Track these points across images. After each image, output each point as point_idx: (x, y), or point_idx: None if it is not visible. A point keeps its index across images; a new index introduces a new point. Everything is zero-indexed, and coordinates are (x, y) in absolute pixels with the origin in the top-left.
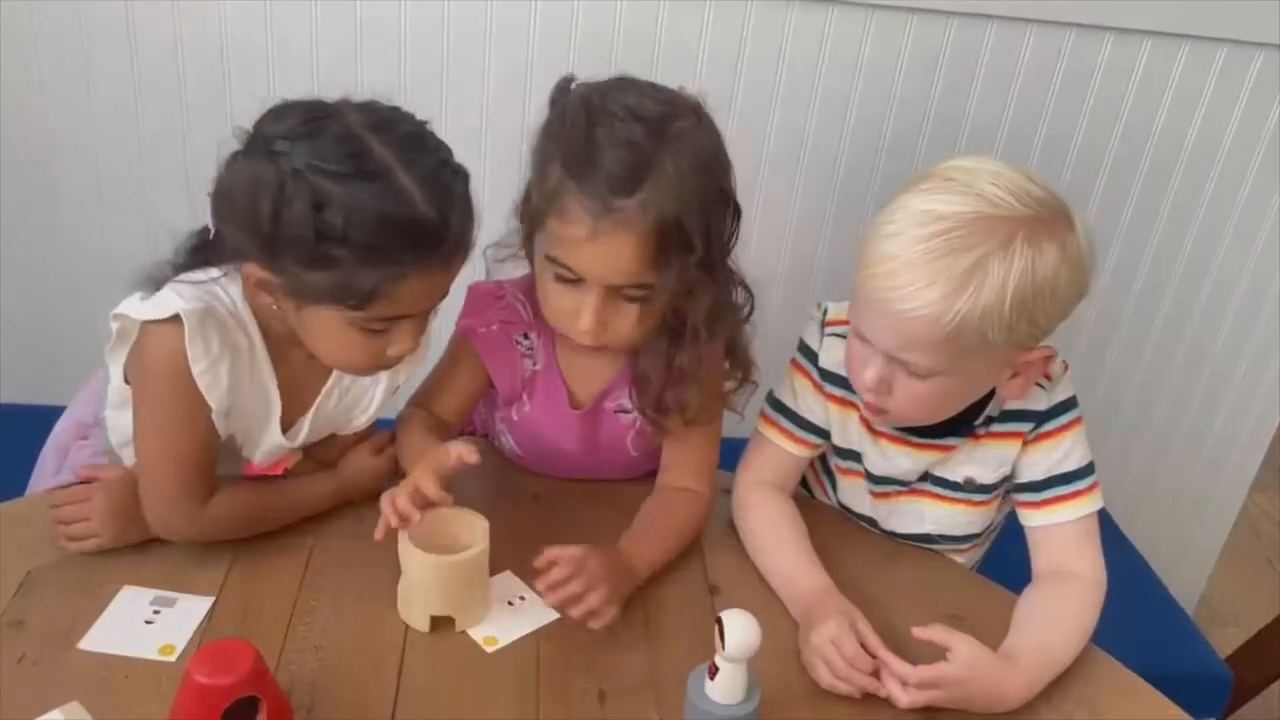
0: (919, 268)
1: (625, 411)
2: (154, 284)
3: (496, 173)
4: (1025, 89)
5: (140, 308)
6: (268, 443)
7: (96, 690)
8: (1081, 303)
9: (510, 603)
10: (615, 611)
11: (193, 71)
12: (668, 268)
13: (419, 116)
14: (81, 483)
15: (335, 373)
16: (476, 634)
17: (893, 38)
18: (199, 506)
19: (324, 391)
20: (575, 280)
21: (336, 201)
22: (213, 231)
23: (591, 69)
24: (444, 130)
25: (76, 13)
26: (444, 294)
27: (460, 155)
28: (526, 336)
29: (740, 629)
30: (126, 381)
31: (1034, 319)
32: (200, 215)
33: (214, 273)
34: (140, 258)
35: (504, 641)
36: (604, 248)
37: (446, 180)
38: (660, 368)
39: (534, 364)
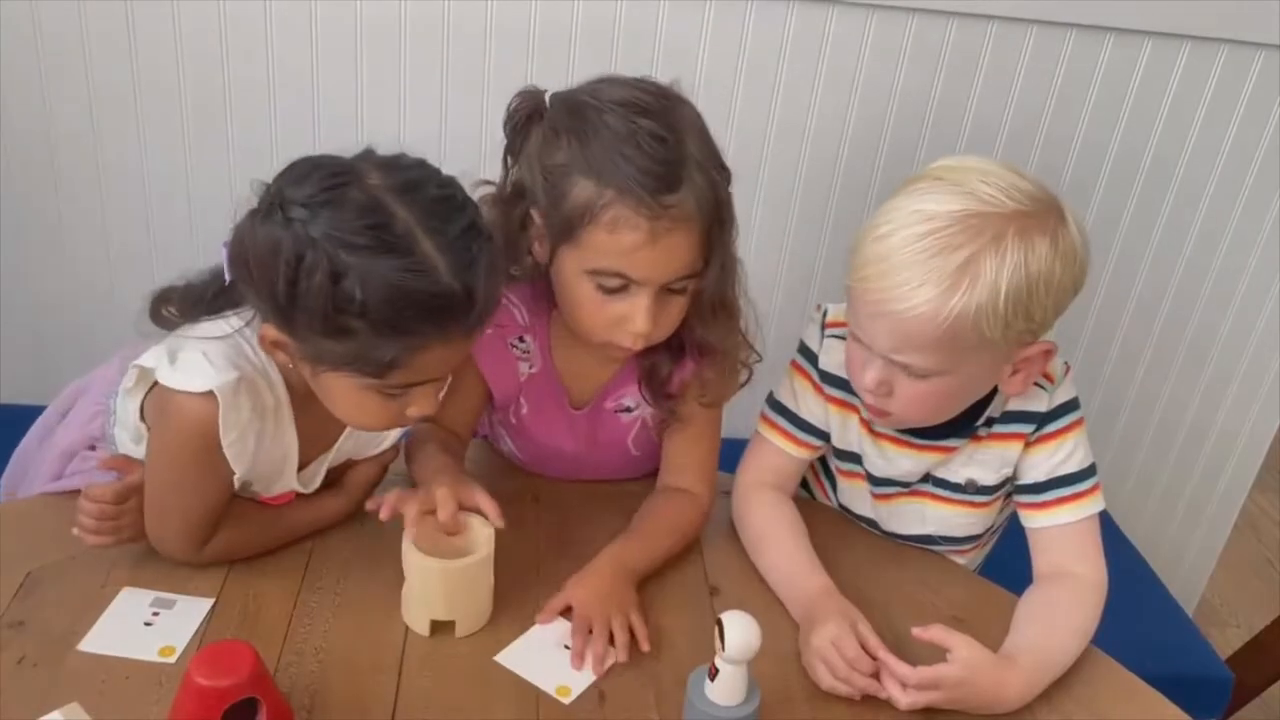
0: (911, 267)
1: (626, 411)
2: (171, 324)
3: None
4: (1025, 89)
5: (170, 374)
6: (281, 486)
7: (96, 692)
8: (1082, 303)
9: (567, 646)
10: (642, 628)
11: (193, 71)
12: (717, 245)
13: (448, 171)
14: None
15: None
16: (548, 685)
17: (893, 38)
18: (199, 548)
19: (343, 435)
20: (622, 287)
21: (355, 274)
22: (227, 279)
23: (591, 69)
24: (442, 131)
25: (77, 13)
26: (463, 356)
27: (459, 156)
28: (522, 340)
29: (740, 631)
30: (142, 418)
31: (1030, 314)
32: (199, 217)
33: (236, 322)
34: (141, 257)
35: (578, 691)
36: (664, 248)
37: (471, 247)
38: (670, 354)
39: (530, 366)
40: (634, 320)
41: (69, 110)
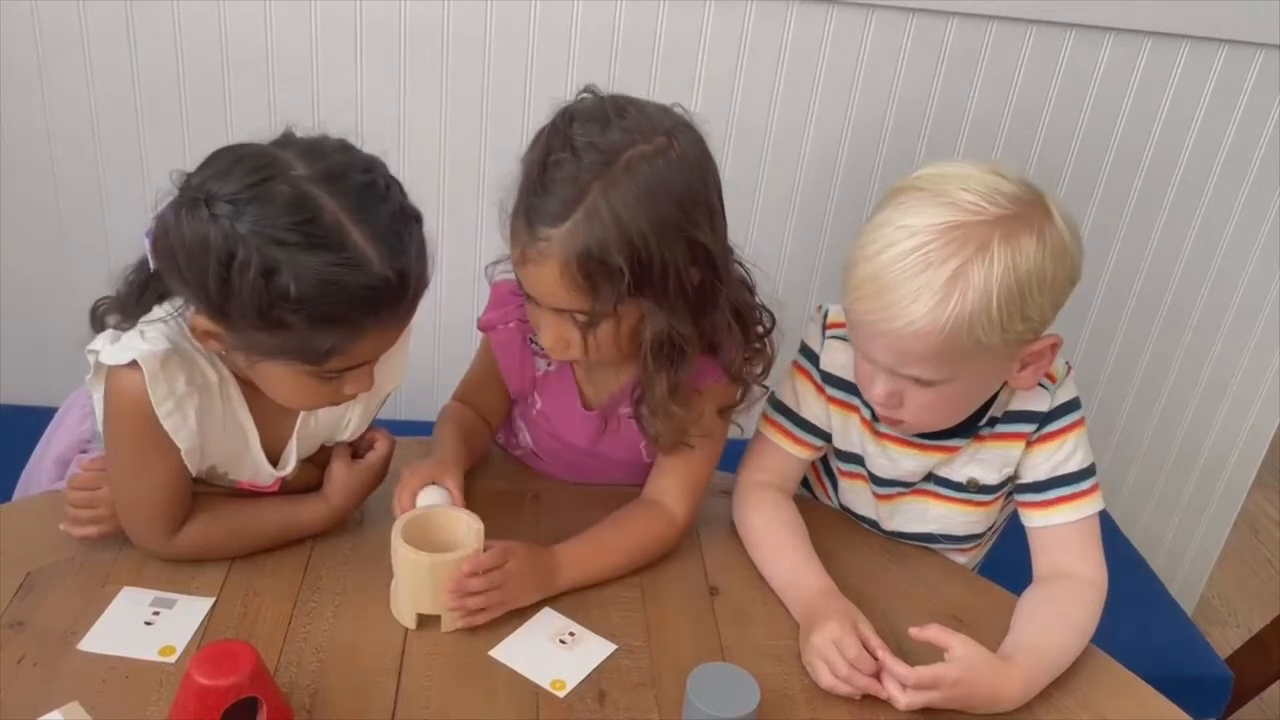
0: (900, 285)
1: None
2: (121, 316)
3: (497, 173)
4: (1025, 89)
5: (107, 351)
6: (253, 469)
7: (96, 691)
8: (1081, 303)
9: (562, 640)
10: (499, 613)
11: (193, 71)
12: (598, 295)
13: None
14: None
15: None
16: (543, 680)
17: (893, 37)
18: (170, 537)
19: (300, 417)
20: (532, 298)
21: (288, 269)
22: (153, 267)
23: (591, 69)
24: (443, 131)
25: (77, 12)
26: (398, 336)
27: (459, 156)
28: None
29: None
30: None
31: (1025, 314)
32: None
33: (180, 304)
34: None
35: (573, 684)
36: (533, 272)
37: (401, 233)
38: (667, 370)
39: (548, 364)
40: (540, 333)
41: (69, 110)
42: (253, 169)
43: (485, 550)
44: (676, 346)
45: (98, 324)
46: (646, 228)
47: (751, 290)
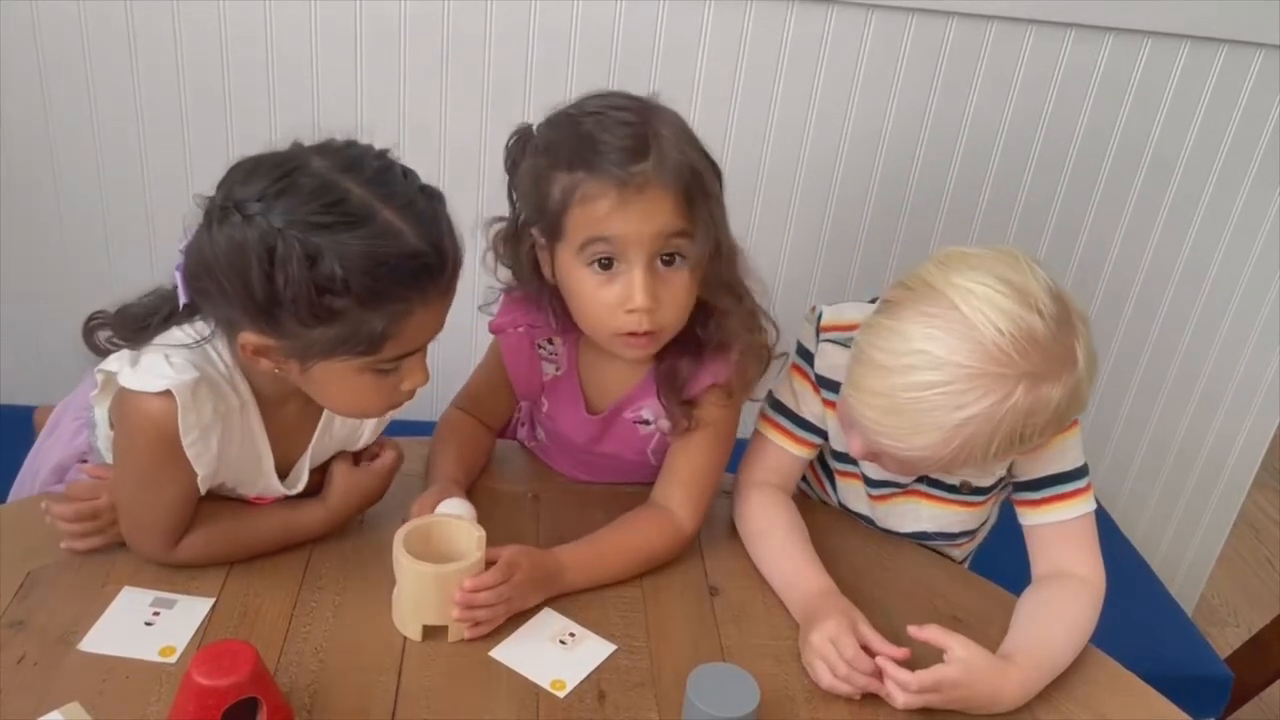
0: (909, 415)
1: (645, 423)
2: (117, 336)
3: (496, 172)
4: (1025, 89)
5: (130, 375)
6: (263, 487)
7: (96, 691)
8: (1080, 302)
9: (562, 641)
10: (503, 620)
11: (193, 72)
12: (699, 211)
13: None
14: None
15: (324, 418)
16: (543, 680)
17: (892, 37)
18: (171, 547)
19: (315, 437)
20: (610, 261)
21: (330, 252)
22: (184, 301)
23: (591, 69)
24: (443, 131)
25: (77, 12)
26: (444, 318)
27: (459, 155)
28: (551, 342)
29: None
30: (112, 425)
31: (1025, 442)
32: (199, 216)
33: (204, 329)
34: (141, 257)
35: (573, 684)
36: (637, 208)
37: (428, 207)
38: (688, 356)
39: (556, 369)
40: (632, 296)
41: (69, 110)
42: (273, 167)
43: (488, 558)
44: (739, 267)
45: (90, 338)
46: (700, 154)
47: (756, 302)
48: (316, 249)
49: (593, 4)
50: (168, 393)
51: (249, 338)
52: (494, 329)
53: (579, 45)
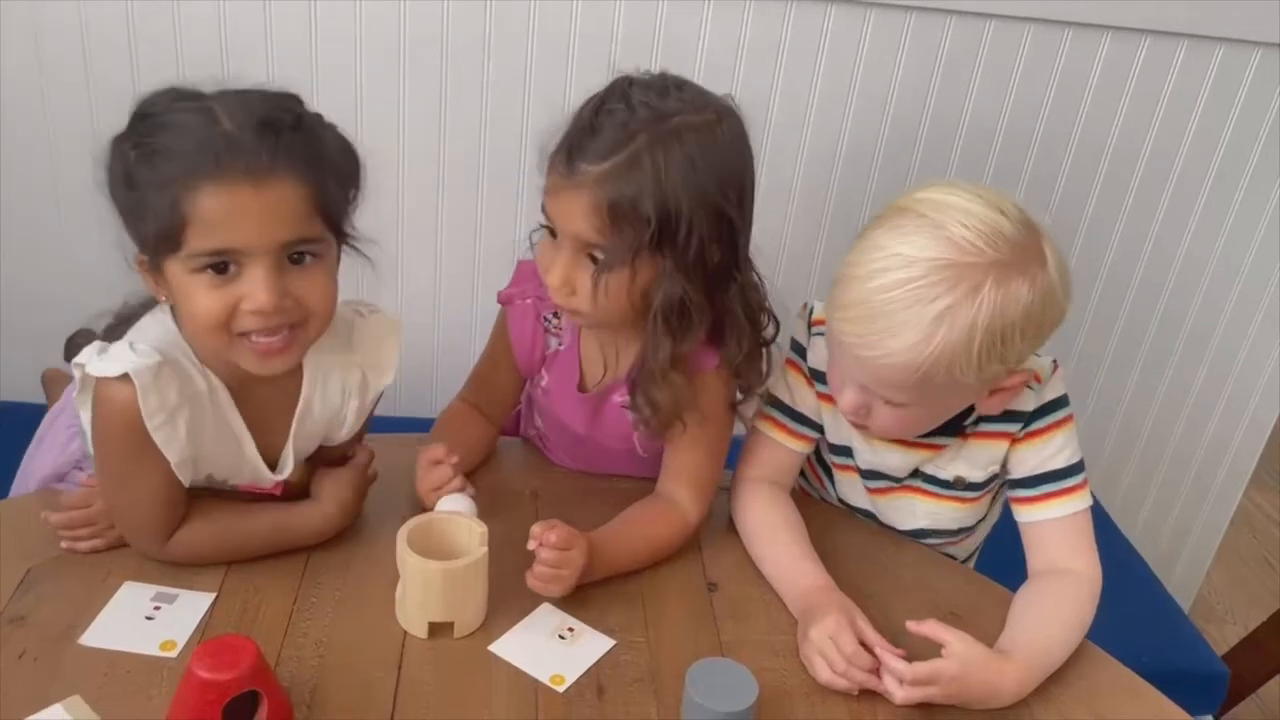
0: (884, 317)
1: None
2: (111, 333)
3: (496, 171)
4: (1023, 87)
5: (95, 363)
6: (251, 474)
7: (97, 686)
8: (1078, 301)
9: (561, 636)
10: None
11: (193, 71)
12: (620, 238)
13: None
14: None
15: (302, 399)
16: (542, 675)
17: (891, 36)
18: (163, 542)
19: (295, 419)
20: (553, 234)
21: (139, 136)
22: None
23: (590, 69)
24: (444, 129)
25: (76, 12)
26: (276, 230)
27: (459, 155)
28: (556, 315)
29: None
30: None
31: (1004, 357)
32: None
33: (168, 309)
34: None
35: (572, 679)
36: (563, 201)
37: (259, 106)
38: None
39: (559, 343)
40: (552, 271)
41: (69, 110)
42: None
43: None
44: (686, 315)
45: (72, 353)
46: (682, 191)
47: (763, 296)
48: (135, 136)
49: (592, 4)
50: (126, 377)
51: (140, 262)
52: (502, 299)
53: (578, 45)
